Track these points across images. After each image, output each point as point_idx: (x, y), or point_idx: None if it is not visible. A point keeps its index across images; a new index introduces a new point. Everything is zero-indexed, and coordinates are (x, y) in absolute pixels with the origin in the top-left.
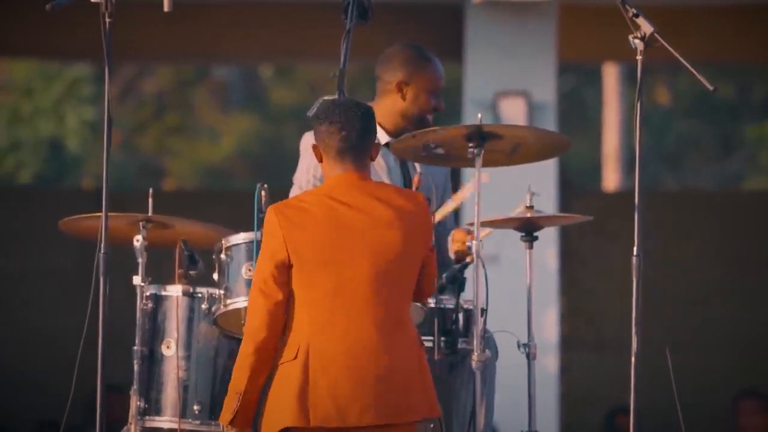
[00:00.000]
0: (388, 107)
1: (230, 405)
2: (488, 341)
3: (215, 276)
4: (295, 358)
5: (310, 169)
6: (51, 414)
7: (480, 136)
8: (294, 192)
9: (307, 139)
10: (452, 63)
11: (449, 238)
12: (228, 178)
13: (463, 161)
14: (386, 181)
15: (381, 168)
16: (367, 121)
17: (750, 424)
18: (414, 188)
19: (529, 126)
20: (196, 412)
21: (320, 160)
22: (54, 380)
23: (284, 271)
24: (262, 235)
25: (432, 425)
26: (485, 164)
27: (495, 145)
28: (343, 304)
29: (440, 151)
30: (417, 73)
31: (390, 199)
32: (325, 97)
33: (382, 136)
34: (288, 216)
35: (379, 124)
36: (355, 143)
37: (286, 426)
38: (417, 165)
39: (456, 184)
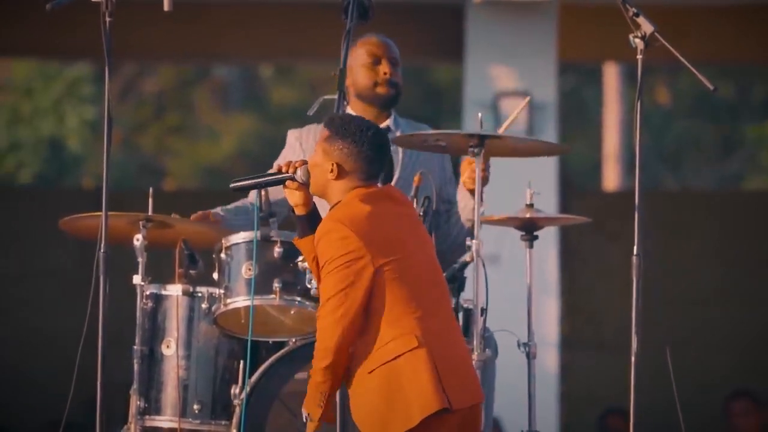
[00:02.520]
0: None
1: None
2: (488, 340)
3: (215, 275)
4: (416, 347)
5: None
6: (51, 414)
7: (480, 143)
8: None
9: (294, 135)
10: (452, 63)
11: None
12: (228, 178)
13: (463, 151)
14: None
15: None
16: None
17: (742, 424)
18: (414, 187)
19: (530, 137)
20: (196, 411)
21: (338, 176)
22: (54, 380)
23: (370, 276)
24: (336, 249)
25: None
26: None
27: (496, 141)
28: (432, 292)
29: (441, 143)
30: (349, 57)
31: None
32: (326, 97)
33: None
34: (366, 222)
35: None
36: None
37: (431, 412)
38: (401, 156)
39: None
